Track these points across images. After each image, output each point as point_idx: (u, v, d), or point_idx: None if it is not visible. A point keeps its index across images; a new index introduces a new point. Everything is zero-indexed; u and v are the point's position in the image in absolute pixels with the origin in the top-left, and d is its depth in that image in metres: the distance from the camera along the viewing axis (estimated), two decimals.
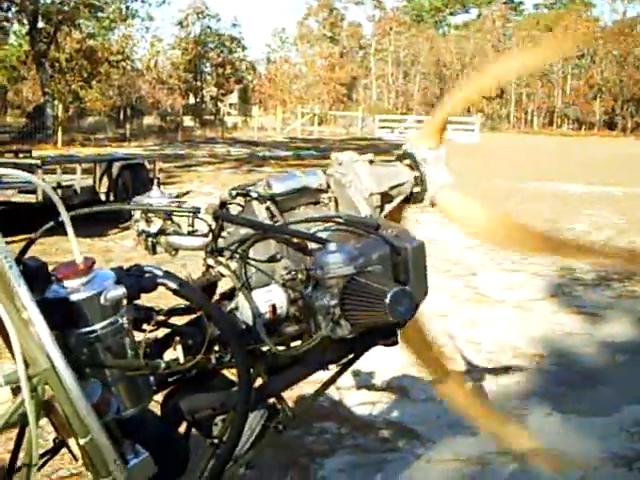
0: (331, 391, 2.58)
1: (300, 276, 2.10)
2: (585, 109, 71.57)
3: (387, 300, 1.93)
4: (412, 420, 5.23)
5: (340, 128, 57.85)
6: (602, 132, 67.22)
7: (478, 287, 9.13)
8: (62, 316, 1.80)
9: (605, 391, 5.91)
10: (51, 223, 2.09)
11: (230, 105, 64.62)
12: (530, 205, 16.88)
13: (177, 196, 2.45)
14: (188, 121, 55.36)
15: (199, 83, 60.71)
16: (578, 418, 5.35)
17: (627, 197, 19.49)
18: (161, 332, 2.18)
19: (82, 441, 1.71)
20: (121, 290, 1.86)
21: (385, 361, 5.68)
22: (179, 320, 2.21)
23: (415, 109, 69.51)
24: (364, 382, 5.81)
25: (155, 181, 2.43)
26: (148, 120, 52.33)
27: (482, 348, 6.79)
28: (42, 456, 2.38)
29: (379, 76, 77.84)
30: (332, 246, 2.04)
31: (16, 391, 1.70)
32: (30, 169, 12.41)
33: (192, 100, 60.22)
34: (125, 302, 1.91)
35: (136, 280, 1.94)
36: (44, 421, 1.92)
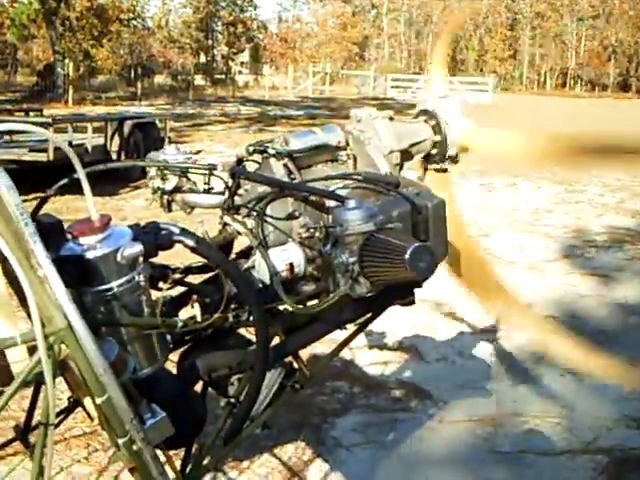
0: (343, 351, 2.55)
1: (318, 234, 2.07)
2: (599, 70, 70.93)
3: (407, 256, 1.89)
4: (424, 380, 5.23)
5: (352, 87, 57.47)
6: (616, 94, 66.62)
7: (490, 248, 9.08)
8: (78, 274, 1.77)
9: (617, 353, 5.89)
10: (66, 180, 2.07)
11: (241, 64, 64.28)
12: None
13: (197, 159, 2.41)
14: (199, 80, 55.10)
15: (210, 42, 60.34)
16: (590, 380, 5.33)
17: None
18: (178, 290, 2.16)
19: (99, 400, 1.70)
20: (138, 247, 1.83)
21: (398, 320, 5.70)
22: (196, 279, 2.19)
23: (427, 69, 68.94)
24: (376, 342, 5.81)
25: (166, 140, 2.42)
26: (159, 79, 52.12)
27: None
28: (57, 415, 2.38)
29: (391, 35, 77.26)
30: (351, 203, 2.01)
31: (32, 350, 1.68)
32: (42, 128, 12.36)
33: (203, 59, 59.87)
34: (142, 260, 1.88)
35: (153, 237, 1.91)
36: (58, 380, 1.91)
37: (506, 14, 76.08)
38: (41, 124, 12.30)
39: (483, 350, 5.85)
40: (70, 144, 11.89)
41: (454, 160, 2.64)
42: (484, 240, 9.35)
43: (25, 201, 2.10)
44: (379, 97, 48.18)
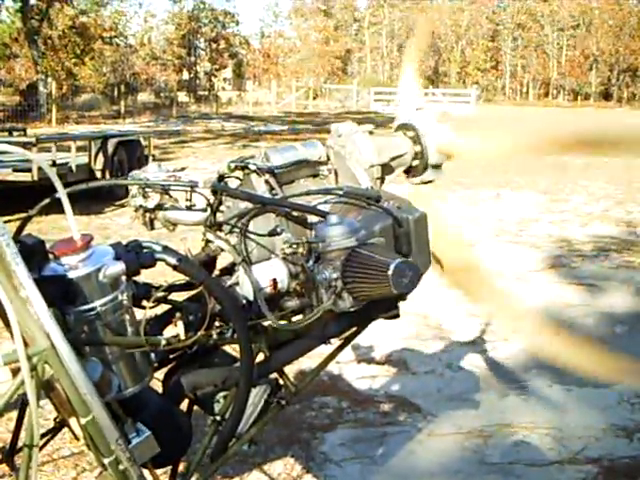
0: (331, 365, 2.54)
1: (301, 249, 2.07)
2: (581, 80, 71.36)
3: (390, 272, 1.89)
4: (413, 393, 5.23)
5: (335, 102, 57.59)
6: (598, 103, 67.05)
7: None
8: (60, 294, 1.76)
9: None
10: (48, 199, 2.06)
11: (224, 80, 64.39)
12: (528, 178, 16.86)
13: (173, 172, 2.40)
14: (182, 97, 55.12)
15: (193, 58, 60.40)
16: (579, 389, 5.34)
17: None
18: (161, 309, 2.15)
19: (83, 420, 1.69)
20: (120, 266, 1.83)
21: (385, 334, 5.70)
22: (179, 296, 2.18)
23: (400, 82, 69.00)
24: (364, 355, 5.81)
25: (150, 158, 2.41)
26: (142, 96, 52.08)
27: (482, 320, 6.77)
28: (43, 436, 2.36)
29: (373, 49, 77.53)
30: (333, 218, 2.01)
31: (16, 371, 1.67)
32: (25, 148, 12.35)
33: (186, 76, 59.91)
34: (124, 278, 1.88)
35: (135, 256, 1.91)
36: (45, 401, 1.90)
37: (487, 25, 76.49)
38: (24, 144, 12.29)
39: (471, 362, 5.85)
40: (54, 163, 11.89)
41: (437, 168, 2.64)
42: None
43: (10, 221, 2.10)
44: (362, 111, 48.31)
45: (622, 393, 5.27)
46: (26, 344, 1.62)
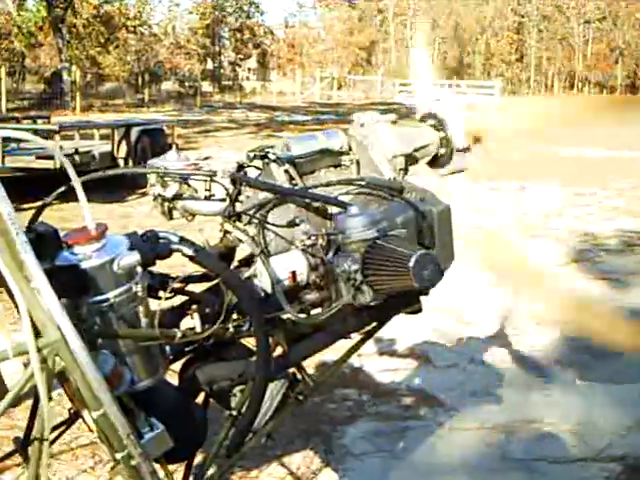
0: (352, 357, 2.49)
1: (321, 241, 2.02)
2: (606, 73, 70.70)
3: (411, 264, 1.84)
4: (434, 387, 5.17)
5: (359, 92, 57.39)
6: (624, 96, 66.34)
7: None
8: (73, 284, 1.71)
9: (630, 359, 5.82)
10: (63, 187, 2.02)
11: (248, 70, 64.26)
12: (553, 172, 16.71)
13: (196, 163, 2.35)
14: (206, 86, 55.10)
15: (217, 48, 60.32)
16: (603, 385, 5.26)
17: None
18: (178, 300, 2.10)
19: (94, 415, 1.64)
20: (135, 256, 1.78)
21: (407, 326, 5.64)
22: (196, 288, 2.13)
23: (435, 73, 68.78)
24: (386, 348, 5.75)
25: (174, 146, 2.36)
26: (166, 85, 52.13)
27: (505, 314, 6.71)
28: (59, 426, 2.33)
29: (398, 40, 77.19)
30: (353, 209, 1.95)
31: (28, 363, 1.63)
32: (48, 135, 12.38)
33: (210, 65, 59.85)
34: (139, 269, 1.82)
35: (150, 246, 1.86)
36: (60, 391, 1.86)
37: (512, 17, 75.92)
38: (47, 131, 12.32)
39: (494, 356, 5.78)
40: (77, 151, 11.91)
41: (466, 151, 2.56)
42: None
43: (32, 208, 2.06)
44: (387, 102, 48.12)
45: None
46: (37, 336, 1.58)
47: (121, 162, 13.91)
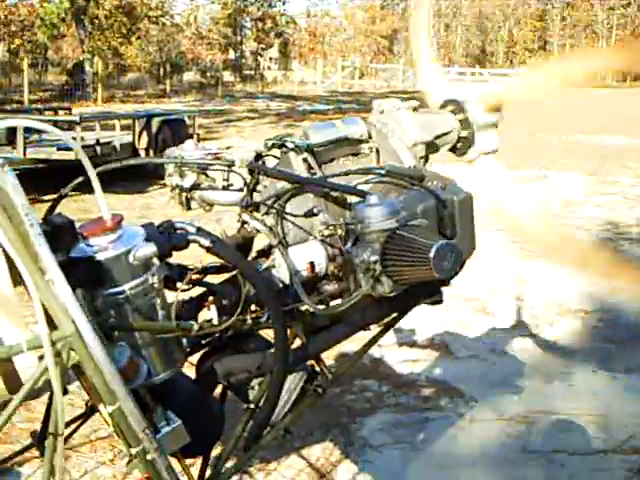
0: (372, 349, 2.46)
1: (340, 231, 1.99)
2: None
3: (431, 255, 1.80)
4: (454, 378, 5.13)
5: (381, 81, 57.24)
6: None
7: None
8: (89, 276, 1.70)
9: None
10: (80, 178, 2.00)
11: (270, 59, 64.22)
12: (575, 159, 16.58)
13: (217, 153, 2.32)
14: (228, 76, 55.08)
15: (239, 38, 60.27)
16: (624, 376, 5.22)
17: None
18: (195, 291, 2.08)
19: (110, 409, 1.62)
20: (151, 248, 1.75)
21: (427, 317, 5.61)
22: (214, 279, 2.11)
23: (457, 61, 68.55)
24: (405, 339, 5.72)
25: (195, 137, 2.34)
26: (188, 76, 52.18)
27: (527, 303, 6.66)
28: (76, 419, 2.32)
29: None
30: (373, 198, 1.91)
31: (42, 356, 1.61)
32: (69, 126, 12.40)
33: (232, 55, 59.83)
34: (156, 260, 1.80)
35: (167, 237, 1.84)
36: (77, 384, 1.85)
37: (535, 5, 75.44)
38: (69, 122, 12.35)
39: (515, 347, 5.74)
40: (98, 142, 11.92)
41: (493, 128, 2.48)
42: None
43: (52, 200, 2.04)
44: (408, 90, 47.94)
45: None
46: (53, 328, 1.56)
47: (142, 153, 13.92)
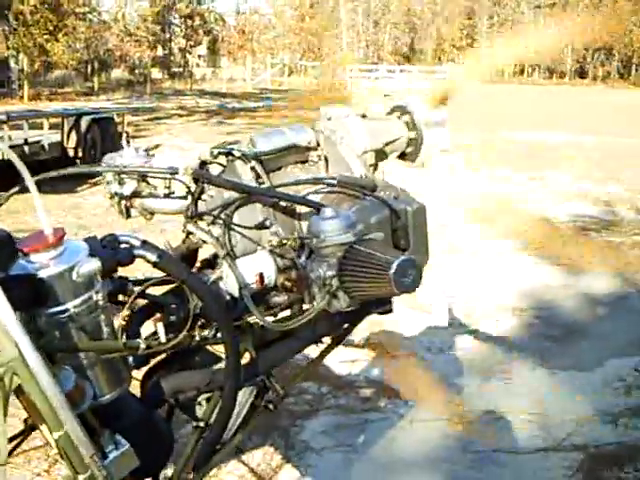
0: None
1: (291, 243, 1.93)
2: (556, 58, 71.30)
3: (392, 271, 1.74)
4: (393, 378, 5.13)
5: (311, 78, 57.26)
6: (573, 81, 67.13)
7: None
8: (30, 295, 1.61)
9: (587, 345, 5.85)
10: (16, 188, 1.90)
11: (199, 57, 63.77)
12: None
13: (147, 150, 2.24)
14: (156, 73, 54.60)
15: (167, 35, 59.66)
16: (563, 372, 5.27)
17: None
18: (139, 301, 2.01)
19: (55, 435, 1.54)
20: (95, 264, 1.67)
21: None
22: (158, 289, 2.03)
23: (386, 59, 68.91)
24: None
25: (124, 135, 2.27)
26: (116, 73, 51.61)
27: (462, 301, 6.70)
28: (14, 438, 2.22)
29: (349, 26, 77.00)
30: (328, 211, 1.85)
31: None
32: None
33: (160, 52, 59.22)
34: (99, 277, 1.72)
35: (111, 252, 1.76)
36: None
37: (464, 3, 76.25)
38: None
39: (452, 345, 5.76)
40: (26, 142, 11.68)
41: (442, 123, 2.42)
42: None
43: None
44: (338, 87, 48.01)
45: (606, 377, 5.21)
46: None
47: (71, 152, 13.72)
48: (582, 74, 71.63)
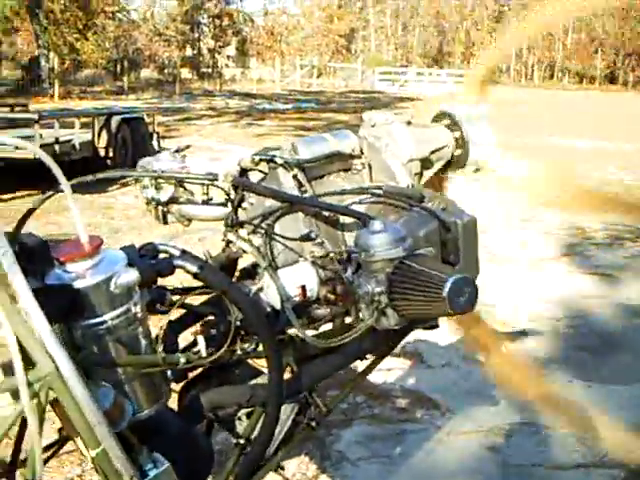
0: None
1: (336, 256, 1.85)
2: (586, 63, 70.85)
3: (446, 289, 1.65)
4: (430, 388, 5.03)
5: (339, 80, 57.23)
6: (603, 86, 66.59)
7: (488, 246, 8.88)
8: (66, 306, 1.54)
9: (625, 357, 5.72)
10: (51, 192, 1.84)
11: (228, 57, 63.89)
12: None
13: (177, 150, 2.17)
14: (186, 73, 54.78)
15: (196, 35, 59.84)
16: (600, 386, 5.15)
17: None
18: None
19: (92, 453, 1.47)
20: (134, 274, 1.60)
21: None
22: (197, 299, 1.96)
23: (415, 61, 68.78)
24: None
25: (154, 135, 2.20)
26: (145, 73, 51.83)
27: (496, 311, 6.58)
28: (48, 448, 2.15)
29: (378, 28, 76.87)
30: (377, 224, 1.75)
31: (16, 395, 1.45)
32: (27, 124, 12.14)
33: (189, 52, 59.40)
34: (137, 287, 1.65)
35: (150, 263, 1.68)
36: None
37: (493, 6, 75.90)
38: (27, 120, 12.11)
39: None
40: (57, 141, 11.69)
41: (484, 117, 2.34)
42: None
43: (14, 199, 1.87)
44: (367, 90, 47.98)
45: None
46: (29, 366, 1.40)
47: (102, 151, 13.74)
48: (612, 79, 71.04)
